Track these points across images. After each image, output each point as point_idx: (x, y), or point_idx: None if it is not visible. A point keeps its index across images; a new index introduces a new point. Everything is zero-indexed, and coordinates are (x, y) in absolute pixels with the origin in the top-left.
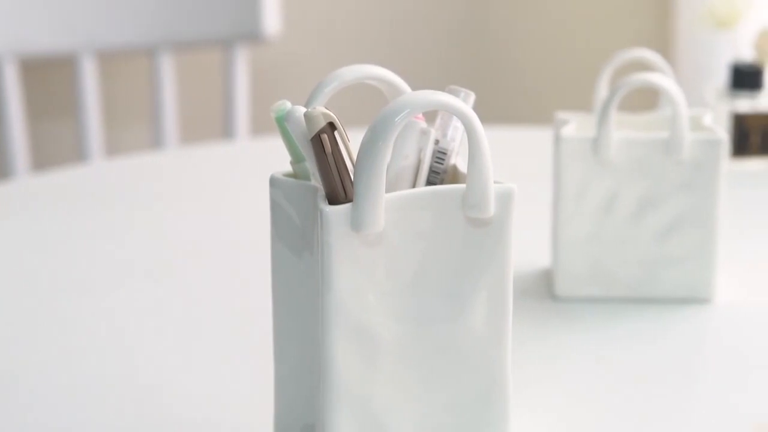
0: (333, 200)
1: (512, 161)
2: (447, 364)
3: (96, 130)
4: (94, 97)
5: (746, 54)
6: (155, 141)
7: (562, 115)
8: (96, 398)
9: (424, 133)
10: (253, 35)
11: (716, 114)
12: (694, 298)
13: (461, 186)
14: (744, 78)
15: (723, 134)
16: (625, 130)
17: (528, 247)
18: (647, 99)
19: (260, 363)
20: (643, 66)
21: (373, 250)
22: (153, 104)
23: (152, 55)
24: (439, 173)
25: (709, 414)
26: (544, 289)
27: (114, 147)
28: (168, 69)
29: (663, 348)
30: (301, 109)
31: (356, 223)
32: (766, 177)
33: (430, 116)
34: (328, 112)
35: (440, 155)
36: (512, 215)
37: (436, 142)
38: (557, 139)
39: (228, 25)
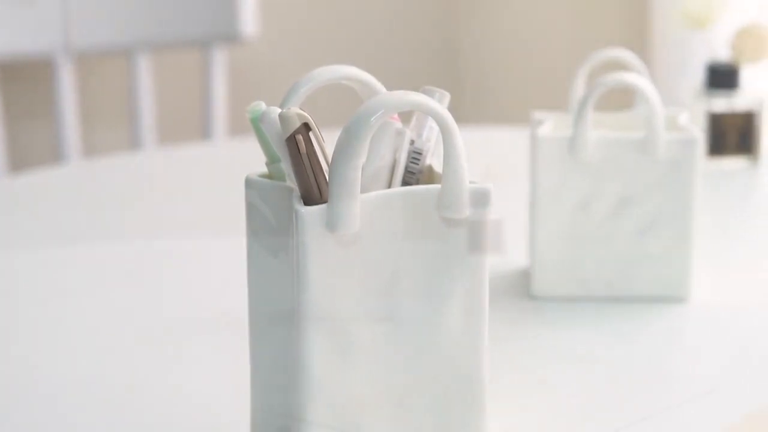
0: (308, 201)
1: (489, 161)
2: (423, 364)
3: (74, 131)
4: (71, 99)
5: (722, 54)
6: (133, 142)
7: (538, 114)
8: (71, 399)
9: (400, 134)
10: (230, 36)
11: (692, 113)
12: (671, 297)
13: (436, 186)
14: (720, 78)
15: (698, 134)
16: (601, 130)
17: (505, 247)
18: (623, 98)
19: (237, 364)
20: (619, 65)
21: (349, 251)
22: (131, 105)
23: (130, 56)
24: (415, 173)
25: (684, 412)
26: (521, 288)
27: (92, 148)
28: (146, 70)
29: (640, 347)
30: (276, 110)
31: (331, 224)
32: (742, 176)
33: (406, 117)
34: (302, 112)
35: (415, 155)
36: (488, 215)
37: (412, 142)
38: (534, 139)
39: (205, 26)
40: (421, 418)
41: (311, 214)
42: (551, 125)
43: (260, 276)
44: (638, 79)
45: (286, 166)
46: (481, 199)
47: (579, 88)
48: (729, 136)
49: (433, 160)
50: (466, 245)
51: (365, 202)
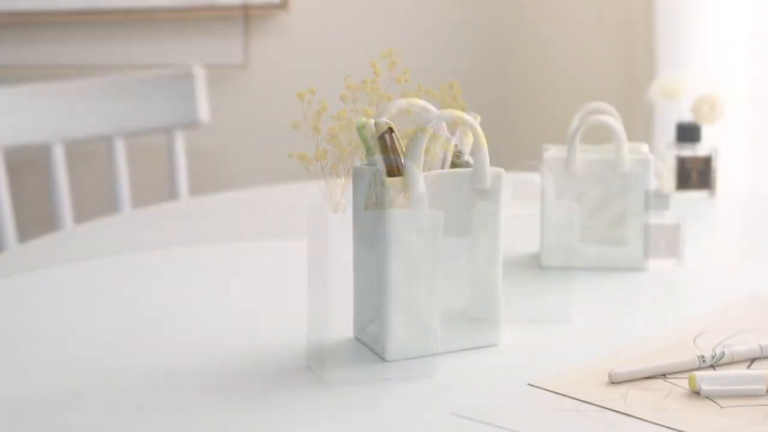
0: (390, 174)
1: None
2: (459, 282)
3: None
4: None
5: (687, 116)
6: (114, 207)
7: (547, 145)
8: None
9: (448, 139)
10: (189, 123)
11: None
12: (634, 268)
13: (470, 169)
14: (686, 133)
15: (650, 156)
16: (587, 154)
17: (523, 232)
18: (604, 135)
19: None
20: (601, 112)
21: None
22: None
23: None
24: (457, 164)
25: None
26: (534, 260)
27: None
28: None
29: (616, 301)
30: (373, 121)
31: (405, 187)
32: (700, 202)
33: (452, 127)
34: (388, 121)
35: (458, 152)
36: (502, 188)
37: (456, 145)
38: (543, 160)
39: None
40: (459, 317)
41: (393, 182)
42: (554, 151)
43: (361, 228)
44: (611, 120)
45: (378, 155)
46: (498, 177)
47: (574, 126)
48: (692, 174)
49: (469, 156)
50: (488, 207)
51: (426, 177)
